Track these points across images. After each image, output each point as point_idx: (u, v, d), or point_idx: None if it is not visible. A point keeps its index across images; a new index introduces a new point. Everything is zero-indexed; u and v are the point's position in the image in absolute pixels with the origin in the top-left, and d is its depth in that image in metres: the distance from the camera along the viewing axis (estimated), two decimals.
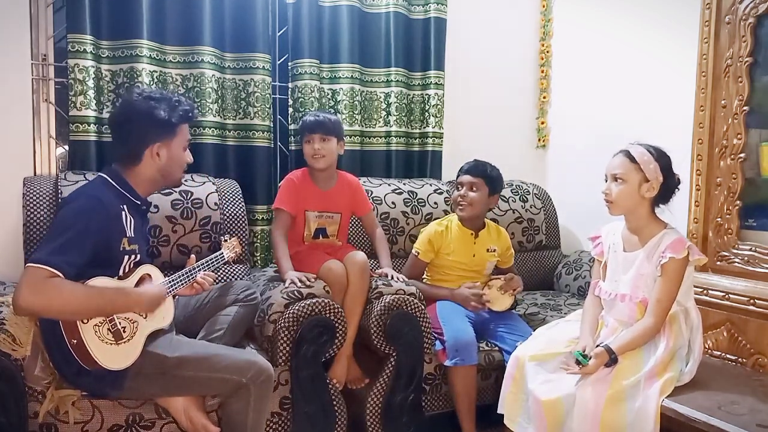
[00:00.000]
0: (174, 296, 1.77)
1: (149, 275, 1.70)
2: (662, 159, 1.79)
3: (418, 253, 2.42)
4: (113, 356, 1.55)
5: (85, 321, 1.51)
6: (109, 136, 2.35)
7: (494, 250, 2.44)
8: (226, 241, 2.05)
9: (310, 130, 2.26)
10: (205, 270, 1.87)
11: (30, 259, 1.46)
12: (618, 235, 1.91)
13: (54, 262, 1.44)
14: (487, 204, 2.40)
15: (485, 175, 2.36)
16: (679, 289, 1.76)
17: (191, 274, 1.82)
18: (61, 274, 1.44)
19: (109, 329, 1.55)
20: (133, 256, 1.68)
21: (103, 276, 1.57)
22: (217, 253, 1.96)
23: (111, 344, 1.55)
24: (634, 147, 1.81)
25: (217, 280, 2.04)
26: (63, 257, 1.46)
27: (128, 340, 1.58)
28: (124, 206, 1.68)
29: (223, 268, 2.35)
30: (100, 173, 1.73)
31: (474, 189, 2.36)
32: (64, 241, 1.48)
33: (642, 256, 1.81)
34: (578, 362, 1.72)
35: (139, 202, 1.74)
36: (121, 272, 1.64)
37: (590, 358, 1.72)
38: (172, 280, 1.75)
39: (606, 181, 1.85)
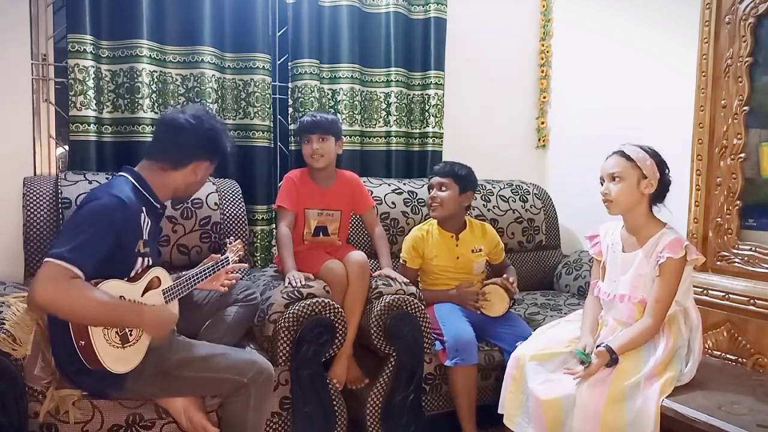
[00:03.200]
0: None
1: (158, 278, 1.70)
2: (656, 156, 1.81)
3: (405, 262, 2.43)
4: (118, 359, 1.55)
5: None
6: (110, 136, 2.39)
7: (480, 250, 2.43)
8: (230, 244, 2.05)
9: (308, 131, 2.27)
10: (210, 275, 1.88)
11: (50, 253, 1.45)
12: (617, 235, 1.91)
13: (75, 260, 1.44)
14: (459, 202, 2.38)
15: (453, 174, 2.36)
16: (677, 289, 1.76)
17: (198, 278, 1.83)
18: (81, 275, 1.44)
19: (117, 332, 1.55)
20: (146, 259, 1.68)
21: (114, 278, 1.56)
22: (224, 257, 1.96)
23: (117, 347, 1.55)
24: (628, 146, 1.82)
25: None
26: (83, 254, 1.46)
27: (134, 343, 1.58)
28: (144, 208, 1.69)
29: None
30: (121, 173, 1.73)
31: (443, 188, 2.36)
32: (85, 239, 1.48)
33: (641, 257, 1.81)
34: (582, 362, 1.72)
35: (158, 206, 1.75)
36: (132, 274, 1.64)
37: (592, 356, 1.72)
38: (178, 285, 1.75)
39: (602, 184, 1.85)
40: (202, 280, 1.85)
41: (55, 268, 1.42)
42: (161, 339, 1.65)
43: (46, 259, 1.44)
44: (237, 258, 2.02)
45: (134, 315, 1.56)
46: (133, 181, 1.70)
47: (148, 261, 1.70)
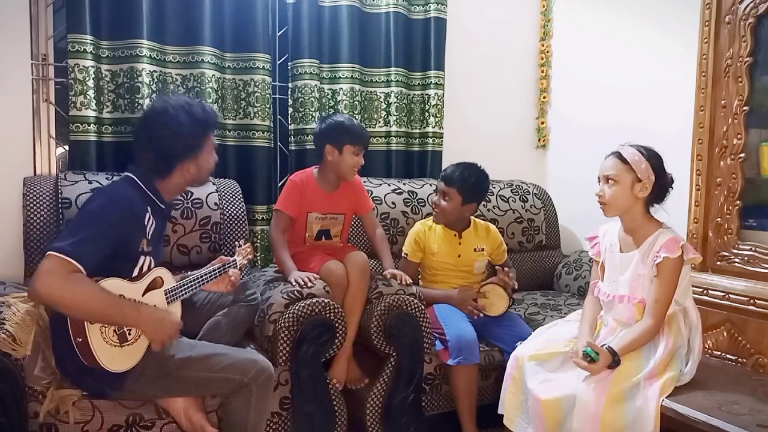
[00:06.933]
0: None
1: (161, 278, 1.70)
2: (653, 159, 1.79)
3: (407, 255, 2.43)
4: (115, 358, 1.55)
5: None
6: (110, 136, 2.39)
7: (482, 250, 2.42)
8: (240, 246, 2.04)
9: (364, 145, 2.29)
10: (217, 276, 1.88)
11: (52, 246, 1.46)
12: (615, 236, 1.91)
13: (77, 255, 1.44)
14: (461, 212, 2.35)
15: (459, 183, 2.30)
16: (675, 288, 1.76)
17: (204, 279, 1.83)
18: (83, 269, 1.45)
19: (114, 331, 1.55)
20: (149, 258, 1.68)
21: (116, 276, 1.56)
22: (232, 260, 1.95)
23: (115, 346, 1.55)
24: (625, 148, 1.81)
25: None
26: (84, 249, 1.46)
27: (132, 343, 1.58)
28: (149, 208, 1.69)
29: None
30: (127, 173, 1.73)
31: (446, 198, 2.33)
32: (88, 234, 1.49)
33: (638, 257, 1.81)
34: (591, 360, 1.70)
35: (163, 207, 1.76)
36: (135, 272, 1.64)
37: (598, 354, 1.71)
38: (182, 286, 1.75)
39: (599, 183, 1.85)
40: (209, 281, 1.85)
41: (58, 262, 1.43)
42: (160, 343, 1.59)
43: (48, 252, 1.44)
44: (246, 261, 2.02)
45: (133, 313, 1.56)
46: (139, 181, 1.70)
47: (151, 260, 1.70)
